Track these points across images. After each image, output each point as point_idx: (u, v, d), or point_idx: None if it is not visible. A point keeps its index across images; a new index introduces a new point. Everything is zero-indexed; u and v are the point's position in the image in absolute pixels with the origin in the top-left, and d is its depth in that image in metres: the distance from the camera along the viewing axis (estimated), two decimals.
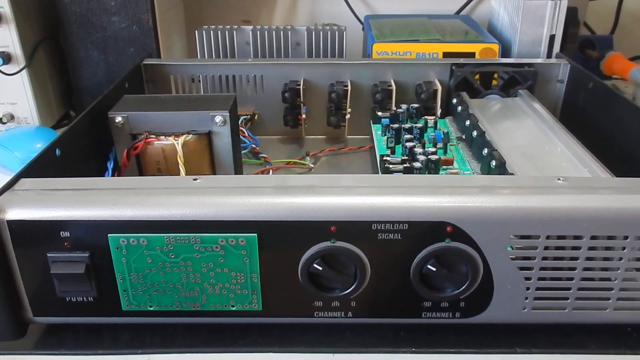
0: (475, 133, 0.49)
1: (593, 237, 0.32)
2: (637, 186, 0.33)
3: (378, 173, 0.50)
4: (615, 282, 0.33)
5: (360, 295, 0.34)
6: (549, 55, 0.65)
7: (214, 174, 0.48)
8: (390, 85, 0.60)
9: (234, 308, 0.34)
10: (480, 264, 0.32)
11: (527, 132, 0.51)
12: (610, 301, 0.34)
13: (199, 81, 0.62)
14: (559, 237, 0.32)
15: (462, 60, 0.61)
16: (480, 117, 0.52)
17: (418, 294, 0.33)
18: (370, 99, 0.61)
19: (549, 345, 0.35)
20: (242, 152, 0.55)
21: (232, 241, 0.32)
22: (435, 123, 0.56)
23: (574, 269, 0.33)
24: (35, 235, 0.32)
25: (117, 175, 0.46)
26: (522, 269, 0.33)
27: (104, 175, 0.47)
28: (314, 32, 0.71)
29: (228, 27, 0.72)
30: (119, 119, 0.46)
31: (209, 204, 0.32)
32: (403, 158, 0.49)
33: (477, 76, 0.60)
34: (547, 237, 0.32)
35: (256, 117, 0.62)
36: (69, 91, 0.72)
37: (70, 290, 0.33)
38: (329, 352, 0.35)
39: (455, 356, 0.35)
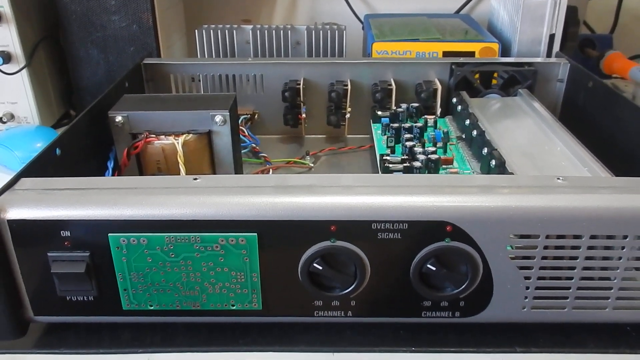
0: (475, 132, 0.49)
1: (592, 237, 0.32)
2: (637, 186, 0.33)
3: (378, 172, 0.50)
4: (615, 281, 0.33)
5: (360, 294, 0.34)
6: (548, 55, 0.65)
7: (214, 173, 0.48)
8: (390, 85, 0.60)
9: (234, 307, 0.34)
10: (479, 264, 0.32)
11: (526, 132, 0.51)
12: (609, 300, 0.34)
13: (199, 80, 0.62)
14: (559, 237, 0.32)
15: (462, 60, 0.61)
16: (480, 117, 0.52)
17: (418, 294, 0.34)
18: (370, 98, 0.61)
19: (548, 344, 0.35)
20: (242, 151, 0.55)
21: (232, 240, 0.32)
22: (435, 122, 0.56)
23: (573, 268, 0.33)
24: (36, 235, 0.32)
25: (118, 175, 0.46)
26: (521, 268, 0.33)
27: (104, 175, 0.47)
28: (314, 32, 0.71)
29: (228, 26, 0.72)
30: (119, 118, 0.46)
31: (209, 203, 0.32)
32: (403, 157, 0.49)
33: (477, 75, 0.60)
34: (547, 237, 0.32)
35: (256, 116, 0.62)
36: (69, 90, 0.72)
37: (71, 289, 0.33)
38: (328, 351, 0.35)
39: (455, 355, 0.35)
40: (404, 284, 0.33)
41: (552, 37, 0.64)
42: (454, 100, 0.58)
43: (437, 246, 0.32)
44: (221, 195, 0.32)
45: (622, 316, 0.34)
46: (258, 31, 0.71)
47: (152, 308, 0.34)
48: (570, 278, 0.33)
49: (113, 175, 0.47)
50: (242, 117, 0.60)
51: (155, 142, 0.45)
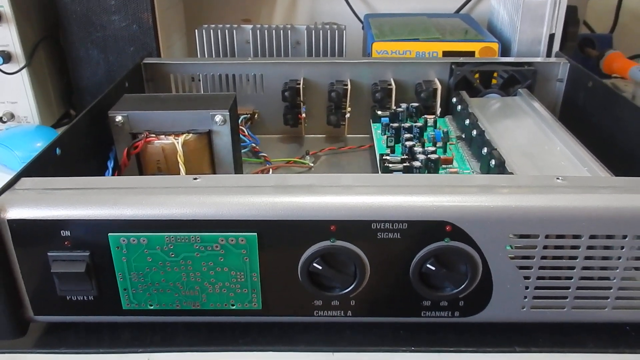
0: (474, 132, 0.49)
1: (592, 237, 0.32)
2: (636, 185, 0.33)
3: (378, 172, 0.50)
4: (614, 281, 0.33)
5: (359, 294, 0.34)
6: (548, 54, 0.65)
7: (214, 173, 0.48)
8: (390, 84, 0.60)
9: (234, 307, 0.34)
10: (479, 263, 0.32)
11: (526, 131, 0.51)
12: (609, 300, 0.34)
13: (199, 80, 0.62)
14: (558, 237, 0.32)
15: (461, 59, 0.61)
16: (480, 116, 0.52)
17: (417, 293, 0.34)
18: (370, 98, 0.61)
19: (548, 344, 0.35)
20: (242, 151, 0.55)
21: (232, 240, 0.32)
22: (435, 122, 0.56)
23: (572, 268, 0.33)
24: (36, 235, 0.32)
25: (118, 175, 0.46)
26: (521, 268, 0.33)
27: (104, 175, 0.47)
28: (313, 31, 0.71)
29: (228, 26, 0.72)
30: (119, 118, 0.46)
31: (209, 203, 0.32)
32: (403, 157, 0.49)
33: (477, 75, 0.60)
34: (546, 237, 0.32)
35: (256, 116, 0.62)
36: (69, 90, 0.72)
37: (71, 289, 0.33)
38: (328, 350, 0.35)
39: (454, 355, 0.35)
40: (404, 284, 0.33)
41: (551, 37, 0.64)
42: (454, 100, 0.58)
43: (436, 246, 0.32)
44: (221, 195, 0.32)
45: (621, 316, 0.34)
46: (258, 31, 0.71)
47: (152, 308, 0.34)
48: (570, 278, 0.33)
49: (113, 175, 0.47)
50: (242, 117, 0.60)
51: (155, 141, 0.45)
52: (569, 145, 0.46)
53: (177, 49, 0.77)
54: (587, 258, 0.32)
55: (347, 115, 0.60)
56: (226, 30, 0.71)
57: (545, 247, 0.32)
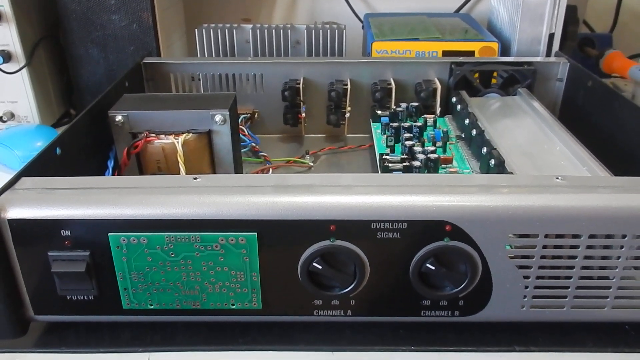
0: (474, 132, 0.49)
1: (591, 236, 0.32)
2: (636, 185, 0.33)
3: (377, 172, 0.50)
4: (614, 280, 0.33)
5: (359, 293, 0.34)
6: (548, 54, 0.65)
7: (214, 172, 0.48)
8: (390, 84, 0.60)
9: (234, 306, 0.34)
10: (479, 263, 0.32)
11: (526, 131, 0.51)
12: (608, 299, 0.34)
13: (199, 80, 0.62)
14: (558, 236, 0.32)
15: (461, 59, 0.61)
16: (480, 116, 0.52)
17: (417, 293, 0.34)
18: (369, 98, 0.61)
19: (547, 343, 0.35)
20: (242, 150, 0.55)
21: (232, 240, 0.32)
22: (435, 122, 0.56)
23: (572, 267, 0.33)
24: (36, 234, 0.32)
25: (118, 174, 0.46)
26: (520, 267, 0.33)
27: (104, 174, 0.47)
28: (313, 31, 0.71)
29: (228, 25, 0.72)
30: (119, 117, 0.46)
31: (209, 203, 0.32)
32: (402, 157, 0.49)
33: (477, 75, 0.60)
34: (546, 236, 0.32)
35: (256, 115, 0.62)
36: (69, 89, 0.72)
37: (71, 288, 0.33)
38: (328, 350, 0.35)
39: (454, 354, 0.35)
40: (404, 283, 0.33)
41: (551, 36, 0.64)
42: (454, 99, 0.58)
43: (436, 245, 0.32)
44: (221, 194, 0.32)
45: (620, 315, 0.34)
46: (258, 30, 0.71)
47: (152, 307, 0.34)
48: (569, 277, 0.33)
49: (113, 174, 0.47)
50: (242, 117, 0.60)
51: (155, 141, 0.45)
52: (569, 144, 0.46)
53: (177, 49, 0.77)
54: (586, 257, 0.32)
55: (347, 114, 0.60)
56: (226, 30, 0.71)
57: (544, 247, 0.32)
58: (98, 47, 0.66)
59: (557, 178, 0.34)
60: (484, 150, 0.46)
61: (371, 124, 0.59)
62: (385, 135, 0.53)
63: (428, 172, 0.46)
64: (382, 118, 0.56)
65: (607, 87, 0.53)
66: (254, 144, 0.58)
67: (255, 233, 0.32)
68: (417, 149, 0.49)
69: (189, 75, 0.62)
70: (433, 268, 0.32)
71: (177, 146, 0.44)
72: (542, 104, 0.55)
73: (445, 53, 0.65)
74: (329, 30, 0.71)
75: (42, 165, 0.38)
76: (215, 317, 0.35)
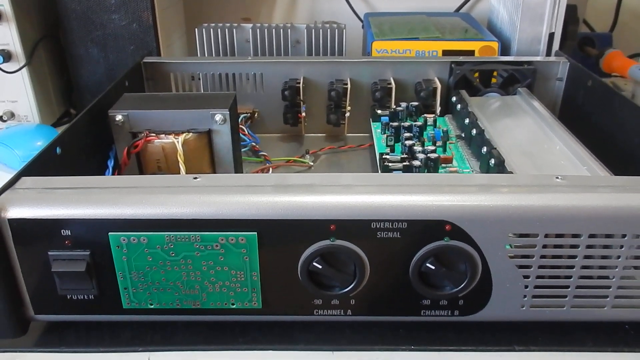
0: (474, 131, 0.50)
1: (591, 236, 0.32)
2: (636, 185, 0.33)
3: (377, 171, 0.50)
4: (613, 280, 0.33)
5: (359, 293, 0.34)
6: (548, 53, 0.65)
7: (214, 172, 0.48)
8: (390, 84, 0.60)
9: (234, 306, 0.34)
10: (479, 262, 0.32)
11: (526, 130, 0.51)
12: (608, 299, 0.34)
13: (199, 79, 0.62)
14: (558, 236, 0.32)
15: (461, 58, 0.61)
16: (480, 115, 0.52)
17: (417, 292, 0.34)
18: (369, 97, 0.61)
19: (547, 342, 0.35)
20: (242, 150, 0.55)
21: (232, 239, 0.32)
22: (435, 121, 0.56)
23: (572, 267, 0.33)
24: (36, 234, 0.32)
25: (118, 174, 0.46)
26: (520, 267, 0.33)
27: (104, 174, 0.47)
28: (313, 30, 0.71)
29: (228, 25, 0.72)
30: (119, 117, 0.46)
31: (209, 202, 0.32)
32: (402, 156, 0.49)
33: (477, 74, 0.60)
34: (546, 236, 0.32)
35: (256, 115, 0.62)
36: (69, 89, 0.72)
37: (71, 288, 0.33)
38: (328, 349, 0.35)
39: (454, 354, 0.35)
40: (404, 283, 0.33)
41: (551, 36, 0.64)
42: (454, 99, 0.58)
43: (436, 245, 0.32)
44: (221, 194, 0.32)
45: (620, 315, 0.34)
46: (258, 30, 0.71)
47: (152, 307, 0.34)
48: (569, 277, 0.33)
49: (113, 174, 0.47)
50: (242, 116, 0.60)
51: (155, 141, 0.45)
52: (569, 144, 0.46)
53: (177, 48, 0.77)
54: (586, 257, 0.33)
55: (347, 114, 0.60)
56: (226, 29, 0.71)
57: (544, 246, 0.32)
58: (98, 46, 0.66)
59: (557, 178, 0.34)
60: (484, 149, 0.46)
61: (371, 123, 0.59)
62: (385, 135, 0.53)
63: (428, 172, 0.46)
64: (382, 117, 0.56)
65: (607, 87, 0.53)
66: (254, 144, 0.58)
67: (255, 233, 0.32)
68: (417, 148, 0.49)
69: (189, 74, 0.62)
70: (433, 268, 0.32)
71: (177, 146, 0.44)
72: (542, 103, 0.55)
73: (445, 52, 0.66)
74: (329, 30, 0.71)
75: (42, 165, 0.38)
76: (215, 316, 0.35)
